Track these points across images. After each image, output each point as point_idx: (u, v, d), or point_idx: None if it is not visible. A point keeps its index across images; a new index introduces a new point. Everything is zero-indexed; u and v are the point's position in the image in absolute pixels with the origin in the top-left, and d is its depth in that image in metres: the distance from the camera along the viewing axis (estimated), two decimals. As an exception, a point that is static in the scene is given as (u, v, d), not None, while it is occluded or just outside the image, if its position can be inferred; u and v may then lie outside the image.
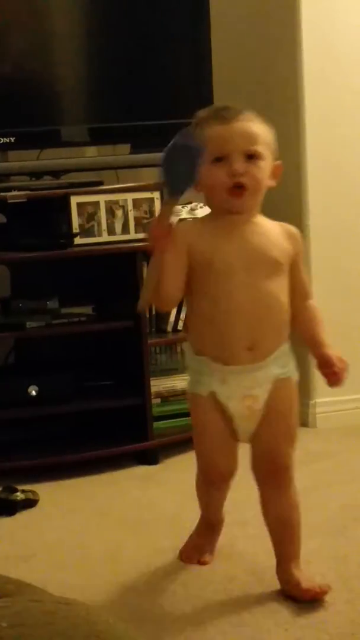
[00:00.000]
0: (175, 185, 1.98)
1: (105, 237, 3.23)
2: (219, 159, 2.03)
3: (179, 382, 3.41)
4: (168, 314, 3.42)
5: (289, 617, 2.07)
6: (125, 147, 3.37)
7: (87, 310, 3.32)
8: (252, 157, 2.03)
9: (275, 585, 2.20)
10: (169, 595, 2.23)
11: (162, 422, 3.34)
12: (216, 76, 3.42)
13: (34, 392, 3.20)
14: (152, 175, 3.51)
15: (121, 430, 3.30)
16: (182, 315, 3.45)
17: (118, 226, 3.24)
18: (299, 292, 2.17)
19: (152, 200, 3.31)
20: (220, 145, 2.02)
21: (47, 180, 3.33)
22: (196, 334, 2.17)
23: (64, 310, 3.31)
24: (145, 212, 3.30)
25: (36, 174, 3.32)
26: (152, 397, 3.29)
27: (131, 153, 3.36)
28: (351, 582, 2.22)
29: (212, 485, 2.33)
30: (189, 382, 2.22)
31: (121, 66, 3.36)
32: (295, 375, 2.19)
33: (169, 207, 2.02)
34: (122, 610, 2.16)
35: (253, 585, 2.25)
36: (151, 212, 3.30)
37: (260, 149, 2.04)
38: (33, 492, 2.91)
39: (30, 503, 2.87)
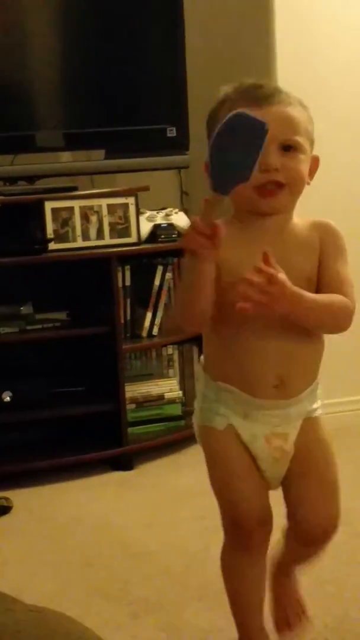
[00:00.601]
0: (225, 178, 1.55)
1: (79, 243, 3.23)
2: None
3: (154, 388, 3.42)
4: (143, 319, 3.42)
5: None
6: (100, 153, 3.36)
7: (62, 315, 3.31)
8: (289, 148, 1.66)
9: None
10: (143, 602, 2.22)
11: (137, 427, 3.34)
12: (191, 82, 3.41)
13: (8, 398, 3.19)
14: (127, 180, 3.51)
15: (96, 436, 3.29)
16: (157, 320, 3.45)
17: (93, 232, 3.24)
18: (325, 292, 1.70)
19: (126, 205, 3.31)
20: None
21: (22, 186, 3.32)
22: (215, 360, 1.78)
23: (38, 316, 3.30)
24: (120, 218, 3.30)
25: (10, 179, 3.31)
26: (127, 402, 3.28)
27: (105, 158, 3.35)
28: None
29: (246, 546, 1.81)
30: (200, 413, 1.82)
31: (96, 72, 3.36)
32: (322, 415, 1.81)
33: (215, 206, 1.57)
34: (97, 617, 2.15)
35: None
36: (126, 217, 3.30)
37: (300, 139, 1.67)
38: (6, 498, 2.90)
39: (3, 510, 2.85)
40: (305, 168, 1.69)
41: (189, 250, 1.60)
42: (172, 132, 3.41)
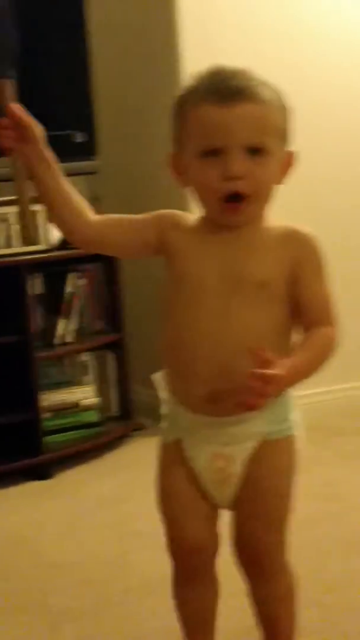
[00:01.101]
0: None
1: (-13, 250, 3.18)
2: (212, 153, 1.50)
3: (70, 395, 3.39)
4: (56, 327, 3.38)
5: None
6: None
7: (-28, 325, 3.27)
8: (257, 151, 1.50)
9: (169, 595, 2.19)
10: (63, 611, 2.19)
11: (54, 436, 3.31)
12: (98, 88, 3.40)
13: None
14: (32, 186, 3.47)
15: (12, 446, 3.25)
16: (72, 328, 3.42)
17: (1, 240, 3.20)
18: (307, 315, 1.57)
19: (35, 212, 3.27)
20: (213, 133, 1.49)
21: None
22: (164, 364, 1.65)
23: None
24: (29, 225, 3.26)
25: None
26: (43, 411, 3.25)
27: (13, 165, 3.31)
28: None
29: (181, 569, 1.71)
30: (162, 426, 1.71)
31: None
32: (295, 434, 1.64)
33: (3, 91, 1.52)
34: (16, 630, 2.12)
35: (149, 596, 2.23)
36: (35, 224, 3.26)
37: (270, 141, 1.51)
38: None
39: None
40: (273, 172, 1.54)
41: (3, 149, 1.52)
42: (79, 137, 3.39)
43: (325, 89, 3.59)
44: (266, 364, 1.44)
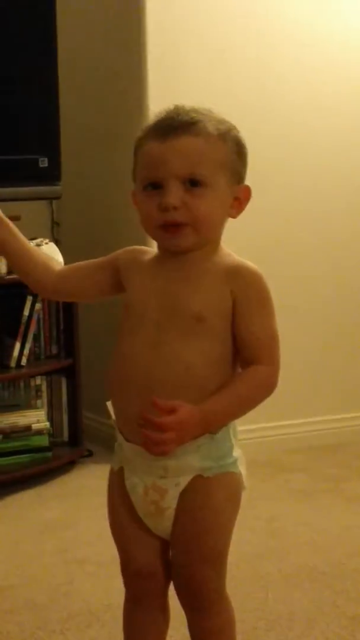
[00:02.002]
0: None
1: None
2: (154, 185, 1.54)
3: (21, 418, 3.38)
4: (11, 349, 3.39)
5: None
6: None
7: None
8: (196, 183, 1.53)
9: (113, 624, 2.20)
10: (4, 637, 2.18)
11: (3, 458, 3.31)
12: (63, 114, 3.43)
13: None
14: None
15: None
16: (26, 351, 3.43)
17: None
18: (243, 353, 1.56)
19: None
20: (153, 167, 1.54)
21: None
22: (109, 391, 1.65)
23: None
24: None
25: None
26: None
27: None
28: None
29: (129, 593, 1.70)
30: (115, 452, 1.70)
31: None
32: (234, 471, 1.61)
33: None
34: None
35: (91, 625, 2.23)
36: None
37: (206, 172, 1.53)
38: None
39: None
40: (214, 204, 1.55)
41: None
42: (44, 162, 3.40)
43: (288, 128, 3.65)
44: (167, 411, 1.46)
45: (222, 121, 1.58)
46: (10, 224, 1.71)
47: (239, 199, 1.59)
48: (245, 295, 1.55)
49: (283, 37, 3.61)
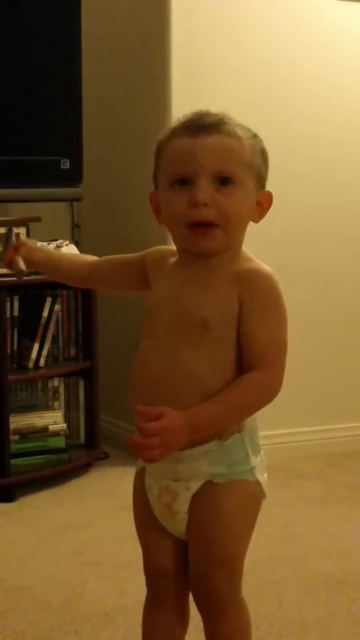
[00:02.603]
0: None
1: (-32, 271, 3.19)
2: (182, 182, 1.52)
3: (38, 419, 3.39)
4: (30, 350, 3.40)
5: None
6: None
7: None
8: (225, 181, 1.52)
9: (127, 626, 2.20)
10: (19, 637, 2.19)
11: (19, 459, 3.31)
12: (86, 115, 3.44)
13: None
14: (19, 210, 3.51)
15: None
16: (44, 352, 3.44)
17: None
18: (245, 357, 1.53)
19: (17, 235, 3.30)
20: (182, 162, 1.52)
21: None
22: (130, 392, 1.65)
23: None
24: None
25: None
26: (11, 433, 3.25)
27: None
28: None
29: (149, 591, 1.70)
30: None
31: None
32: (249, 478, 1.59)
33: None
34: (-30, 651, 2.12)
35: (105, 626, 2.24)
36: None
37: (238, 172, 1.52)
38: None
39: None
40: (243, 204, 1.53)
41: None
42: (65, 164, 3.42)
43: (314, 135, 3.65)
44: (153, 418, 1.46)
45: (246, 127, 1.58)
46: (43, 249, 1.87)
47: (261, 205, 1.58)
48: (250, 298, 1.52)
49: (308, 43, 3.62)
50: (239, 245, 1.58)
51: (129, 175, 3.70)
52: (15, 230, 3.33)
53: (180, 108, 3.37)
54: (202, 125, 1.53)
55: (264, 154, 1.59)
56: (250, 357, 1.52)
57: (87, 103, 3.44)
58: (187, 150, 1.52)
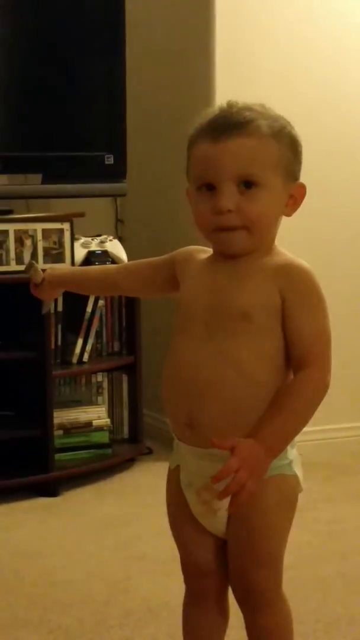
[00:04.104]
0: None
1: (13, 267, 3.21)
2: (207, 186, 1.53)
3: (82, 414, 3.40)
4: (73, 346, 3.41)
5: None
6: (37, 177, 3.36)
7: (-8, 339, 3.30)
8: (250, 185, 1.51)
9: (170, 622, 2.20)
10: (63, 630, 2.20)
11: (63, 454, 3.32)
12: (130, 111, 3.44)
13: None
14: (63, 205, 3.51)
15: (22, 462, 3.26)
16: (88, 347, 3.44)
17: (27, 256, 3.23)
18: (293, 352, 1.52)
19: (61, 230, 3.30)
20: (206, 168, 1.52)
21: None
22: (162, 389, 1.65)
23: (-32, 339, 3.28)
24: (55, 243, 3.29)
25: None
26: (55, 428, 3.26)
27: (42, 183, 3.35)
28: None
29: (189, 592, 1.71)
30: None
31: (34, 96, 3.36)
32: (288, 473, 1.59)
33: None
34: (15, 644, 2.13)
35: (149, 622, 2.24)
36: (60, 242, 3.30)
37: (262, 173, 1.50)
38: None
39: None
40: (269, 206, 1.52)
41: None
42: (109, 159, 3.42)
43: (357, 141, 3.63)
44: (227, 448, 1.45)
45: (276, 118, 1.55)
46: (72, 273, 1.98)
47: (294, 197, 1.57)
48: (294, 294, 1.52)
49: (354, 44, 3.59)
50: (272, 240, 1.58)
51: (173, 171, 3.69)
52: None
53: (225, 100, 3.37)
54: (225, 127, 1.51)
55: (294, 145, 1.56)
56: (299, 352, 1.52)
57: (130, 99, 3.44)
58: (209, 155, 1.52)
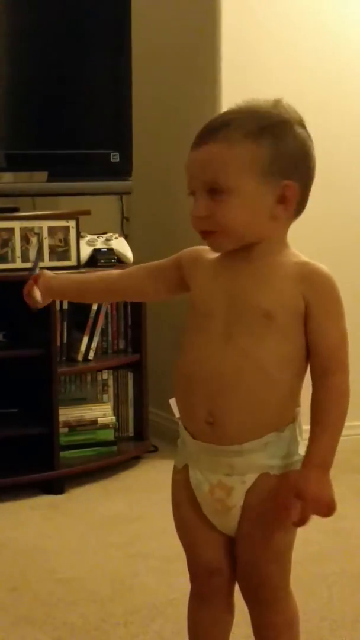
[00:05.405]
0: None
1: (18, 264, 3.21)
2: (192, 193, 1.57)
3: (88, 412, 3.40)
4: (79, 343, 3.41)
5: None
6: (43, 175, 3.36)
7: (-2, 336, 3.30)
8: (216, 191, 1.52)
9: (176, 619, 2.20)
10: (68, 628, 2.20)
11: (69, 451, 3.32)
12: (136, 109, 3.44)
13: None
14: (69, 203, 3.51)
15: (27, 459, 3.27)
16: (94, 345, 3.44)
17: (32, 253, 3.23)
18: (315, 357, 1.55)
19: (67, 228, 3.31)
20: (187, 176, 1.58)
21: None
22: (174, 387, 1.66)
23: (-27, 337, 3.28)
24: (60, 240, 3.29)
25: None
26: (60, 426, 3.26)
27: (48, 181, 3.35)
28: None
29: (196, 591, 1.70)
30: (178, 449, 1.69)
31: (41, 94, 3.36)
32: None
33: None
34: (20, 641, 2.14)
35: (154, 619, 2.24)
36: (66, 240, 3.30)
37: (224, 178, 1.51)
38: None
39: None
40: (239, 210, 1.52)
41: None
42: (115, 157, 3.42)
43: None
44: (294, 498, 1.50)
45: (265, 117, 1.54)
46: (47, 273, 1.82)
47: (285, 197, 1.53)
48: (319, 301, 1.53)
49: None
50: (276, 239, 1.57)
51: (178, 169, 3.67)
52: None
53: (230, 102, 3.36)
54: (203, 135, 1.55)
55: (281, 142, 1.53)
56: (321, 357, 1.54)
57: (137, 97, 3.44)
58: (187, 164, 1.57)
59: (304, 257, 1.58)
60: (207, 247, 1.65)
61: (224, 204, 1.52)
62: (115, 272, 1.81)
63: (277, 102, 1.57)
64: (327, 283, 1.54)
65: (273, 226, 1.55)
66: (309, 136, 1.58)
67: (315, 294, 1.53)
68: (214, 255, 1.63)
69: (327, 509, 1.51)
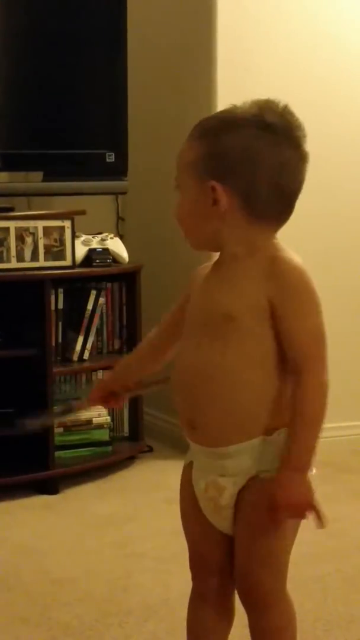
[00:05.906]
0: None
1: (14, 264, 3.21)
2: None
3: (83, 412, 3.39)
4: (74, 343, 3.41)
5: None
6: (38, 175, 3.36)
7: (-7, 336, 3.29)
8: (177, 188, 1.60)
9: (170, 619, 2.20)
10: (62, 627, 2.20)
11: (63, 451, 3.32)
12: (131, 110, 3.43)
13: None
14: (64, 203, 3.51)
15: (22, 459, 3.27)
16: (89, 345, 3.44)
17: (27, 253, 3.23)
18: (288, 354, 1.50)
19: (62, 228, 3.30)
20: None
21: None
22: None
23: (-32, 336, 3.27)
24: (56, 240, 3.29)
25: None
26: (55, 426, 3.26)
27: (43, 181, 3.35)
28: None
29: (195, 588, 1.70)
30: None
31: (35, 93, 3.36)
32: None
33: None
34: (15, 642, 2.13)
35: (149, 619, 2.24)
36: (61, 240, 3.30)
37: (178, 175, 1.59)
38: None
39: None
40: (185, 206, 1.56)
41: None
42: (110, 157, 3.42)
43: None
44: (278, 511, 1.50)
45: (221, 117, 1.58)
46: (128, 371, 1.83)
47: (215, 198, 1.52)
48: (285, 300, 1.49)
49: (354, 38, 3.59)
50: (238, 239, 1.54)
51: (174, 169, 3.68)
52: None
53: (225, 101, 3.36)
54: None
55: (216, 144, 1.53)
56: (293, 354, 1.50)
57: (132, 97, 3.44)
58: None
59: (282, 253, 1.53)
60: (206, 264, 1.66)
61: (178, 201, 1.58)
62: (153, 335, 1.78)
63: (261, 103, 1.56)
64: (291, 276, 1.50)
65: (227, 228, 1.54)
66: (275, 142, 1.52)
67: (282, 293, 1.48)
68: (208, 269, 1.63)
69: (300, 511, 1.51)
